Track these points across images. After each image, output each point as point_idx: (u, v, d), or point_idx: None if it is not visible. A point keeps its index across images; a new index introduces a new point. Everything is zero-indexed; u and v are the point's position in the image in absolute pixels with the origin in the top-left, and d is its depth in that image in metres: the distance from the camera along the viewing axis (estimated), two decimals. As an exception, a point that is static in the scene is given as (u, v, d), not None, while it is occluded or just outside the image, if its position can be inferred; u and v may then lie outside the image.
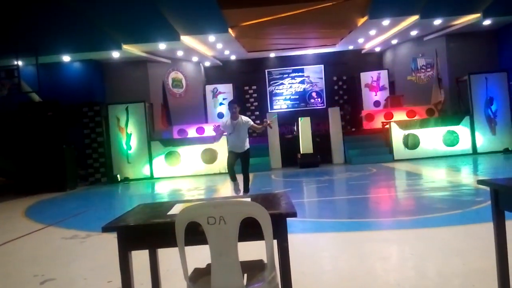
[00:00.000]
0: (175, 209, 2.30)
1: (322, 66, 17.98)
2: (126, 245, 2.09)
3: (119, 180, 13.07)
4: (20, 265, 4.59)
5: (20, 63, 12.58)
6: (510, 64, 14.06)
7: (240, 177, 7.87)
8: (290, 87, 18.08)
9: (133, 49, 13.78)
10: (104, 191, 11.61)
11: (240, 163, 7.81)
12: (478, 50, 15.05)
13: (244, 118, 7.76)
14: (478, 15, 13.06)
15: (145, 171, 13.43)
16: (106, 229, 2.08)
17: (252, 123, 7.80)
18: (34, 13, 12.15)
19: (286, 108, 17.95)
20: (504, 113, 13.42)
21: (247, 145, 7.77)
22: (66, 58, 13.87)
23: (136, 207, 2.57)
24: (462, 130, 13.44)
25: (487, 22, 13.61)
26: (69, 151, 12.36)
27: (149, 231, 2.11)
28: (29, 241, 5.84)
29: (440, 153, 13.31)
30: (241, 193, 7.77)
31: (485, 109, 13.43)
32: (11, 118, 12.42)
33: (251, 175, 12.13)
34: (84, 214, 7.86)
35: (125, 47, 13.38)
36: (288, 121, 16.10)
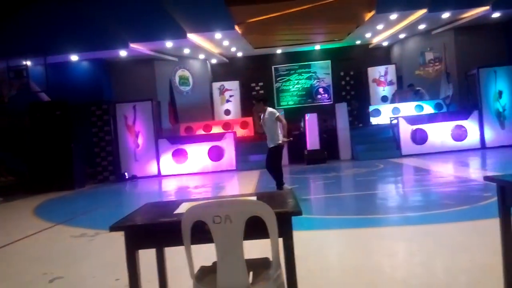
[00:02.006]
0: (182, 208, 2.32)
1: (329, 61, 17.90)
2: (133, 244, 2.12)
3: (127, 178, 13.16)
4: (29, 263, 4.66)
5: (28, 63, 12.70)
6: (519, 57, 13.90)
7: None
8: (297, 83, 18.03)
9: (140, 48, 13.83)
10: (112, 189, 11.70)
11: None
12: (487, 44, 14.86)
13: (269, 110, 7.23)
14: (487, 7, 12.89)
15: (153, 168, 13.51)
16: (114, 228, 2.10)
17: (278, 114, 7.10)
18: (42, 14, 12.25)
19: (293, 104, 17.91)
20: (513, 107, 13.28)
21: (272, 142, 7.16)
22: (74, 58, 13.97)
23: (143, 206, 2.60)
24: (470, 124, 13.31)
25: (496, 14, 13.43)
26: (77, 150, 12.47)
27: (155, 230, 2.13)
28: (38, 240, 5.92)
29: (448, 147, 13.19)
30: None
31: (494, 103, 13.29)
32: (21, 118, 12.56)
33: (257, 172, 12.20)
34: (93, 213, 7.94)
35: (132, 45, 13.43)
36: (295, 117, 16.06)
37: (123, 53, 13.90)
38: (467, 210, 5.39)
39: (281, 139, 7.16)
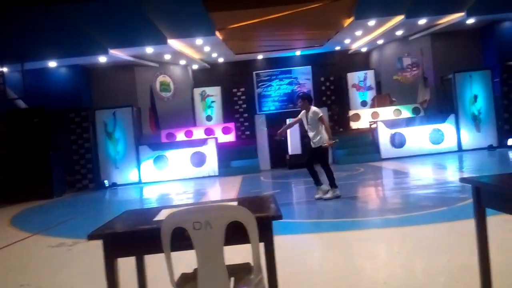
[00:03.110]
0: (161, 215, 2.30)
1: (310, 67, 18.06)
2: (112, 253, 2.09)
3: (107, 185, 12.95)
4: (6, 274, 4.54)
5: (5, 69, 12.42)
6: (493, 62, 14.26)
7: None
8: (278, 88, 18.12)
9: (120, 54, 13.68)
10: (92, 197, 11.50)
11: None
12: (463, 49, 15.23)
13: (314, 109, 7.13)
14: (462, 14, 13.23)
15: (133, 176, 13.33)
16: (92, 237, 2.07)
17: (321, 115, 7.05)
18: (19, 19, 11.99)
19: (274, 110, 17.98)
20: (488, 110, 13.60)
21: (317, 142, 7.08)
22: (52, 64, 13.72)
23: (122, 214, 2.57)
24: (447, 128, 13.60)
25: (470, 20, 13.80)
26: (56, 158, 12.22)
27: (135, 237, 2.11)
28: (15, 250, 5.77)
29: (426, 151, 13.42)
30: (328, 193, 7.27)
31: (470, 106, 13.61)
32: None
33: (239, 177, 12.18)
34: (71, 222, 7.78)
35: (112, 51, 13.27)
36: (276, 122, 16.09)
37: (102, 59, 13.73)
38: (444, 212, 5.50)
39: (326, 141, 7.09)
